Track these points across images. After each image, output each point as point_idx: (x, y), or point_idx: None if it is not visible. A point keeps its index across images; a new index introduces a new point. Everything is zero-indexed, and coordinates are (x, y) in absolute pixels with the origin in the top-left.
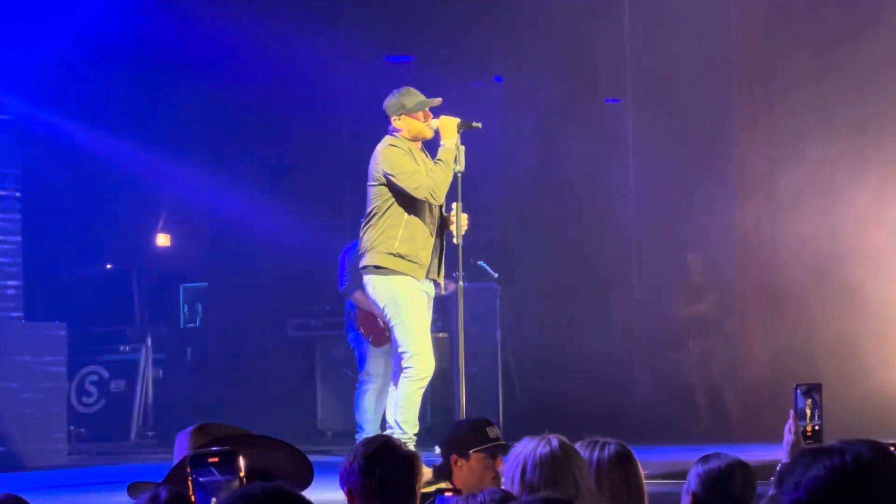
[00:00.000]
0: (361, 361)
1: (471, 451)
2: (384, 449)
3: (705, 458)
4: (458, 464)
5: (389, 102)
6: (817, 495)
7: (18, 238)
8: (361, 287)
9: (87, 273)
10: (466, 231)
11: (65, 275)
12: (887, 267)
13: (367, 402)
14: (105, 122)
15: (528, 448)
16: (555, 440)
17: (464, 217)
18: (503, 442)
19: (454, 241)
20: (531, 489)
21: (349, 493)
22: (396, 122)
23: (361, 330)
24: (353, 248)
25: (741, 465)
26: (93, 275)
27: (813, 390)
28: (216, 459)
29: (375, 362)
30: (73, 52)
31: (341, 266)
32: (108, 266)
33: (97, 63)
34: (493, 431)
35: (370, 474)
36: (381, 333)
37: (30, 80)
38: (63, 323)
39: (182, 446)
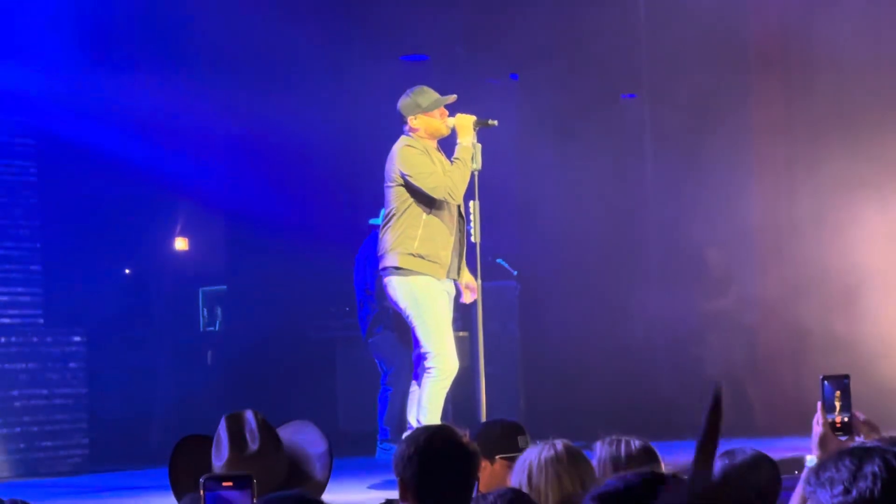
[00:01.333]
0: (384, 363)
1: (497, 457)
2: (447, 440)
3: (730, 453)
4: (483, 465)
5: (404, 102)
6: (870, 499)
7: (38, 244)
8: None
9: (105, 278)
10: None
11: (83, 280)
12: None
13: (392, 404)
14: (122, 126)
15: (532, 453)
16: (559, 444)
17: (475, 285)
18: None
19: (472, 239)
20: (538, 493)
21: (402, 483)
22: (413, 121)
23: (385, 331)
24: (369, 248)
25: (766, 459)
26: (111, 280)
27: (841, 381)
28: (230, 483)
29: (400, 364)
30: (89, 52)
31: (359, 267)
32: (127, 271)
33: (113, 65)
34: (524, 441)
35: (428, 465)
36: (406, 332)
37: (45, 82)
38: (83, 328)
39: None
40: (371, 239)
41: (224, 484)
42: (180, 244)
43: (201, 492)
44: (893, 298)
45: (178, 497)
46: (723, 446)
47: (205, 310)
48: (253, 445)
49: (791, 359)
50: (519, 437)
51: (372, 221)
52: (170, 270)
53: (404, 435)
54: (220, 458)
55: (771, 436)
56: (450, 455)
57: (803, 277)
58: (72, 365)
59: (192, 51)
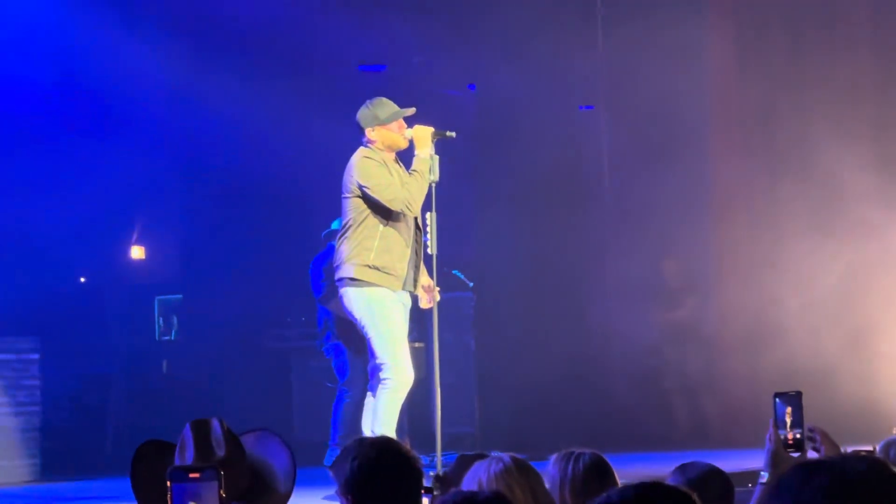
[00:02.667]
0: (340, 371)
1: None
2: (388, 450)
3: (682, 468)
4: None
5: (363, 114)
6: None
7: None
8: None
9: (60, 286)
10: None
11: (38, 287)
12: (870, 274)
13: (346, 412)
14: (78, 131)
15: (481, 468)
16: (506, 457)
17: (436, 292)
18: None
19: (428, 251)
20: None
21: (344, 497)
22: (370, 133)
23: (341, 340)
24: (324, 258)
25: (718, 474)
26: (66, 287)
27: (793, 399)
28: (197, 475)
29: (356, 372)
30: (40, 55)
31: (314, 275)
32: (82, 279)
33: (66, 67)
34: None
35: (371, 477)
36: (362, 341)
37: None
38: (36, 337)
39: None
40: (328, 249)
41: (191, 476)
42: (136, 252)
43: (167, 483)
44: (852, 315)
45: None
46: (677, 460)
47: (160, 318)
48: (219, 452)
49: (747, 371)
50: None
51: (327, 231)
52: (126, 279)
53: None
54: (184, 463)
55: (727, 448)
56: (388, 465)
57: (762, 290)
58: (25, 373)
59: (150, 59)
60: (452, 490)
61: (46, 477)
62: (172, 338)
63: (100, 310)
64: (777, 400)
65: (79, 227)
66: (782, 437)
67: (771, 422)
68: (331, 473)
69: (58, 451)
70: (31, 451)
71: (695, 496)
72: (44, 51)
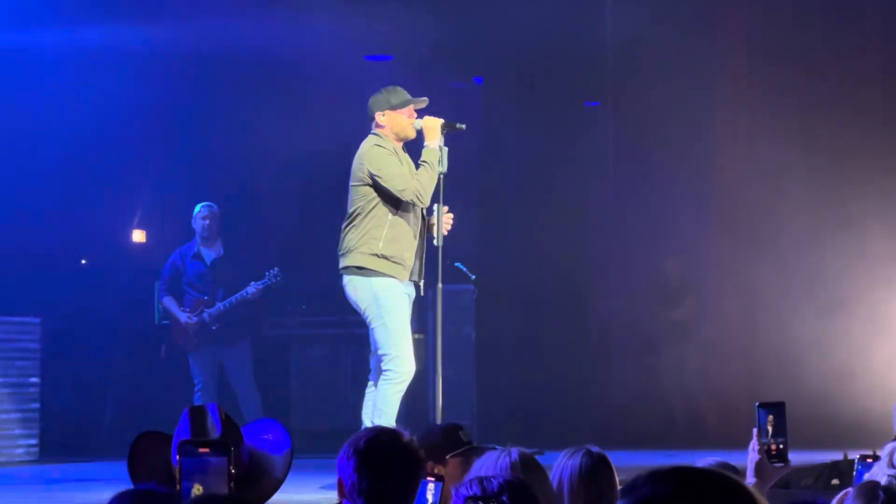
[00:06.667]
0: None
1: (447, 457)
2: (387, 443)
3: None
4: (436, 469)
5: (375, 99)
6: None
7: None
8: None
9: (61, 268)
10: (448, 233)
11: (39, 270)
12: (871, 272)
13: None
14: (82, 115)
15: (489, 460)
16: (515, 452)
17: (449, 217)
18: (475, 445)
19: (434, 243)
20: None
21: (340, 483)
22: (380, 118)
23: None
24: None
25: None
26: (67, 270)
27: (775, 408)
28: (207, 450)
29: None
30: (41, 40)
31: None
32: (83, 261)
33: (70, 54)
34: (465, 435)
35: (365, 467)
36: (189, 340)
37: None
38: (37, 318)
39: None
40: None
41: (200, 450)
42: (137, 236)
43: (177, 457)
44: (852, 314)
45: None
46: (675, 458)
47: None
48: (215, 436)
49: (745, 372)
50: (460, 433)
51: None
52: (126, 262)
53: None
54: None
55: (723, 448)
56: (390, 458)
57: (760, 290)
58: (25, 355)
59: (156, 43)
60: (468, 478)
61: (45, 458)
62: (170, 322)
63: (100, 293)
64: (760, 410)
65: (80, 209)
66: (766, 446)
67: (754, 431)
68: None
69: (56, 433)
70: (29, 432)
71: (745, 483)
72: (55, 32)
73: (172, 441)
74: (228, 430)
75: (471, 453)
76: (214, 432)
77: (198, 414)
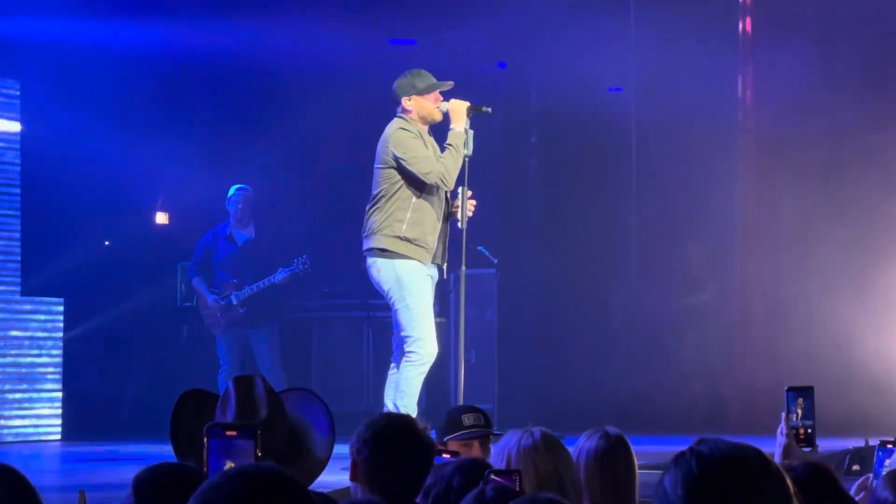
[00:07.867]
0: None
1: (445, 440)
2: (403, 428)
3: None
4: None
5: (400, 83)
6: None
7: (17, 213)
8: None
9: (85, 249)
10: (472, 216)
11: (63, 251)
12: (891, 258)
13: None
14: (105, 102)
15: (511, 440)
16: (537, 432)
17: (472, 202)
18: (480, 428)
19: (458, 226)
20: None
21: (353, 464)
22: (407, 102)
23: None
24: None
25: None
26: (91, 251)
27: (804, 392)
28: (234, 433)
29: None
30: (69, 34)
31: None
32: (107, 243)
33: (93, 47)
34: (471, 419)
35: (379, 451)
36: (217, 322)
37: (28, 60)
38: (60, 299)
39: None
40: None
41: (228, 433)
42: (161, 218)
43: (204, 439)
44: (873, 301)
45: (179, 454)
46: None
47: (182, 285)
48: (262, 411)
49: (768, 357)
50: (464, 416)
51: None
52: (150, 244)
53: None
54: (225, 419)
55: (745, 434)
56: (403, 444)
57: (783, 276)
58: (49, 335)
59: (175, 34)
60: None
61: (67, 438)
62: (194, 304)
63: (123, 274)
64: (789, 394)
65: (104, 191)
66: (794, 430)
67: (783, 415)
68: None
69: (77, 413)
70: (53, 412)
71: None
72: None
73: (217, 407)
74: (273, 405)
75: (471, 437)
76: (261, 405)
77: (243, 384)
